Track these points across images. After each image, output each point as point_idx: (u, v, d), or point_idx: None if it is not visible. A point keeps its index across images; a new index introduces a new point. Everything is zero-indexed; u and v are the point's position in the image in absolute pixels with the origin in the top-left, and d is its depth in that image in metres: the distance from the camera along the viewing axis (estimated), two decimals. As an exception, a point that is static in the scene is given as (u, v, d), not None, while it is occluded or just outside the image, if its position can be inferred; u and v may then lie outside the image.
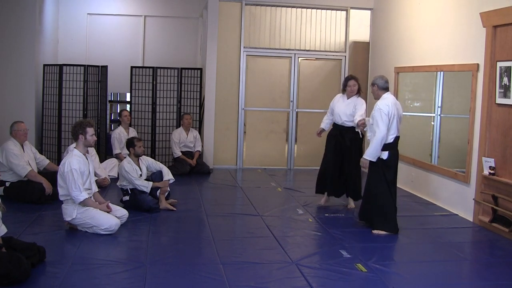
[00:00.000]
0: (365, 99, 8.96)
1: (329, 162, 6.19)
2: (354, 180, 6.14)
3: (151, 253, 4.45)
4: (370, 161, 5.21)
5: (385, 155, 5.17)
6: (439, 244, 5.00)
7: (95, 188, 5.19)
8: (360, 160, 5.65)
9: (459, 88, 6.52)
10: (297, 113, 9.08)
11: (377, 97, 5.32)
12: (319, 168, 6.43)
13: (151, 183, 5.86)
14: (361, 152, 5.99)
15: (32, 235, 4.75)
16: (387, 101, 5.17)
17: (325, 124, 6.36)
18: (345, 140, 6.07)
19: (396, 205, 5.32)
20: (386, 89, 5.29)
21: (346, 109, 6.04)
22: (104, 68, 8.51)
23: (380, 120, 5.09)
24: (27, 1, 8.08)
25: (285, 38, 8.95)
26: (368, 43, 9.07)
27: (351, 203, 6.24)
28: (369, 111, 5.62)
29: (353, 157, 6.02)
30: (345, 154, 6.09)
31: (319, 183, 6.36)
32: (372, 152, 5.15)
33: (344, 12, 9.03)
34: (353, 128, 6.03)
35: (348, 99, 6.09)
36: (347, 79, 6.15)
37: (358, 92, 6.09)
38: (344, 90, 6.16)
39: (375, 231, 5.23)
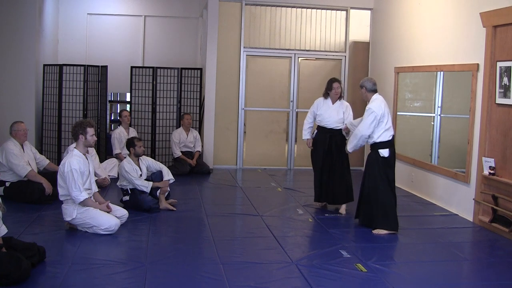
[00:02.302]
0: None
1: (323, 172, 6.10)
2: (346, 182, 6.04)
3: (151, 253, 4.45)
4: (371, 160, 5.24)
5: (386, 152, 5.21)
6: (439, 244, 5.00)
7: (95, 188, 5.19)
8: (348, 160, 6.09)
9: (459, 88, 6.52)
10: (297, 113, 9.08)
11: (366, 99, 5.36)
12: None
13: (151, 183, 5.86)
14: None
15: (32, 235, 4.75)
16: (378, 101, 5.23)
17: (309, 132, 6.27)
18: (336, 143, 6.02)
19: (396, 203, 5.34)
20: (374, 91, 5.33)
21: (336, 114, 6.03)
22: (104, 68, 8.51)
23: (368, 119, 5.15)
24: (27, 1, 8.08)
25: (285, 38, 8.95)
26: (368, 43, 9.08)
27: (343, 209, 6.03)
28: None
29: (344, 159, 6.02)
30: (335, 156, 6.03)
31: (318, 192, 6.23)
32: (355, 145, 5.31)
33: (344, 12, 9.03)
34: (341, 130, 6.06)
35: (333, 104, 6.07)
36: (331, 82, 6.08)
37: (341, 96, 6.12)
38: (327, 94, 6.11)
39: (375, 231, 5.23)
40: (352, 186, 6.09)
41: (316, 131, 6.23)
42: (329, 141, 6.04)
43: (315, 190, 6.25)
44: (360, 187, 5.48)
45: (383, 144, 5.20)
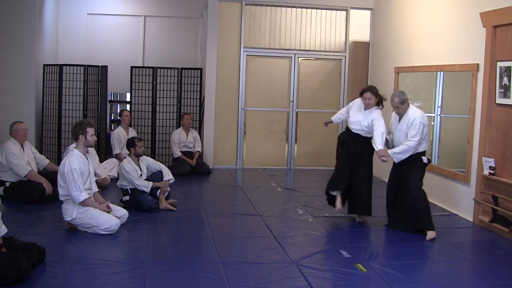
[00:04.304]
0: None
1: (347, 165, 5.60)
2: (362, 190, 5.57)
3: (151, 253, 4.45)
4: (408, 164, 5.19)
5: (425, 159, 5.26)
6: (439, 244, 5.00)
7: (95, 188, 5.19)
8: (369, 168, 5.61)
9: (459, 88, 6.52)
10: (297, 113, 9.08)
11: (404, 111, 5.25)
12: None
13: (151, 183, 5.86)
14: (372, 159, 5.64)
15: (32, 235, 4.75)
16: (418, 111, 5.28)
17: (336, 118, 5.92)
18: (356, 149, 5.56)
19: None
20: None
21: (362, 121, 5.49)
22: (104, 68, 8.51)
23: (419, 131, 5.11)
24: (27, 1, 8.08)
25: (285, 38, 8.95)
26: (368, 43, 9.07)
27: (359, 217, 5.69)
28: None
29: (365, 164, 5.59)
30: (356, 161, 5.57)
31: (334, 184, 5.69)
32: (400, 154, 5.17)
33: (344, 12, 9.03)
34: (364, 138, 5.55)
35: (365, 109, 5.52)
36: (363, 91, 5.54)
37: (378, 104, 5.50)
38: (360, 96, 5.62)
39: (429, 236, 5.09)
40: (370, 198, 5.62)
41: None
42: (349, 142, 5.60)
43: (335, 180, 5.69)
44: (393, 193, 5.43)
45: (423, 153, 5.25)
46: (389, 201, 5.54)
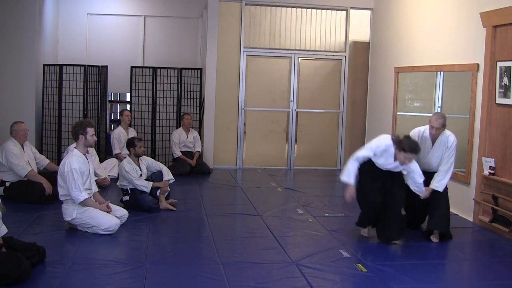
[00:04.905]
0: (363, 105, 9.00)
1: (374, 200, 5.01)
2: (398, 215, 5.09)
3: (151, 253, 4.45)
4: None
5: None
6: (439, 244, 4.99)
7: (95, 188, 5.19)
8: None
9: (459, 88, 6.52)
10: (297, 113, 9.08)
11: (437, 135, 5.05)
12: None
13: (151, 183, 5.86)
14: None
15: (32, 235, 4.75)
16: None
17: (354, 174, 4.92)
18: (392, 179, 5.05)
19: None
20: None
21: (395, 168, 4.91)
22: (104, 68, 8.51)
23: (455, 153, 5.03)
24: (27, 1, 8.08)
25: (285, 38, 8.95)
26: (368, 43, 9.07)
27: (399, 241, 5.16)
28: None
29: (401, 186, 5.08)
30: (389, 185, 5.01)
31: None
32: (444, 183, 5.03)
33: (344, 12, 9.03)
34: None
35: (394, 160, 4.82)
36: (403, 148, 4.66)
37: None
38: (396, 149, 4.77)
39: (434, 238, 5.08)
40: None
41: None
42: (381, 178, 5.00)
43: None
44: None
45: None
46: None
